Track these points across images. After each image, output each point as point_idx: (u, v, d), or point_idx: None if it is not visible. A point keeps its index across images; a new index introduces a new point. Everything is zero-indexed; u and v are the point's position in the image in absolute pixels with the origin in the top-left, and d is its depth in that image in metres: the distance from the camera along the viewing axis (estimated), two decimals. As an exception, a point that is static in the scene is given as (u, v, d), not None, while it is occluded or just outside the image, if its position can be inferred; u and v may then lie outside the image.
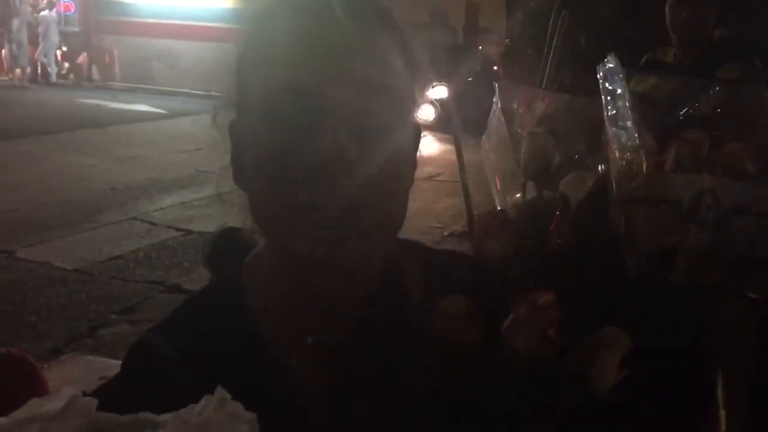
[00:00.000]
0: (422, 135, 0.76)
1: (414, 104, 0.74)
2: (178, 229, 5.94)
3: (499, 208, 0.82)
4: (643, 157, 0.77)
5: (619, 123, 0.76)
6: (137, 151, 8.92)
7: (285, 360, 0.71)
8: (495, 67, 8.86)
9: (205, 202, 6.84)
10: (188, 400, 0.64)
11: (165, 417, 0.49)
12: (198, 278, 4.63)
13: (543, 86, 2.87)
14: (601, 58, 0.84)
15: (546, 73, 4.93)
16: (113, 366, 3.60)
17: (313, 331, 0.73)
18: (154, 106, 12.71)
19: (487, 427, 0.63)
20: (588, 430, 0.64)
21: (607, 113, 0.77)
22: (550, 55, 4.91)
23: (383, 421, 0.68)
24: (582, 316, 0.66)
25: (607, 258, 0.76)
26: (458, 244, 5.20)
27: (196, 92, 13.88)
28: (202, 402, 0.51)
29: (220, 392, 0.51)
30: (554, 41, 5.06)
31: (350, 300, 0.73)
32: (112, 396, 0.74)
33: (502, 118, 0.72)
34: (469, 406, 0.64)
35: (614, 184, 0.75)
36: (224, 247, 0.83)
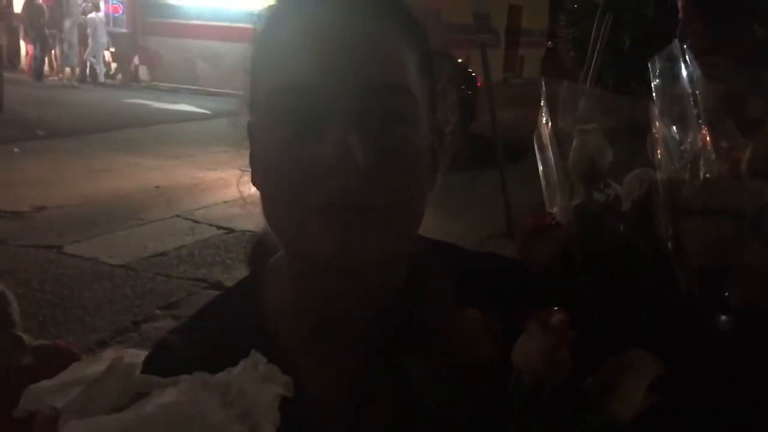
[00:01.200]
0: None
1: (435, 105, 0.72)
2: (220, 228, 6.01)
3: (548, 210, 0.79)
4: (701, 161, 0.74)
5: (672, 122, 0.73)
6: (181, 150, 9.06)
7: (296, 364, 0.68)
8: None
9: (247, 201, 6.91)
10: None
11: (205, 374, 0.49)
12: (240, 276, 4.63)
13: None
14: (644, 61, 0.80)
15: (589, 75, 4.86)
16: (157, 360, 3.61)
17: (326, 337, 0.71)
18: (198, 107, 12.89)
19: None
20: None
21: (660, 111, 0.73)
22: (594, 57, 4.84)
23: (395, 430, 0.65)
24: (612, 337, 0.63)
25: (655, 272, 0.72)
26: (498, 246, 5.16)
27: (239, 93, 14.05)
28: (239, 365, 0.50)
29: (254, 356, 0.50)
30: (598, 43, 4.99)
31: (366, 304, 0.71)
32: None
33: (549, 118, 0.70)
34: (478, 428, 0.61)
35: (662, 191, 0.71)
36: (266, 247, 0.83)
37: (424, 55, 0.70)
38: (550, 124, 0.76)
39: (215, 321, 0.77)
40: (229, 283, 4.75)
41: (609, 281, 0.72)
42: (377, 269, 0.67)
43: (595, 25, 4.89)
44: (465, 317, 0.62)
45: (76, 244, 5.48)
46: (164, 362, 0.71)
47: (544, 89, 0.79)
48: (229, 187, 7.37)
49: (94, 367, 0.48)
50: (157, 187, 7.27)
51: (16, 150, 8.18)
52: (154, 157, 8.55)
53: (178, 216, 6.37)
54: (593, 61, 4.72)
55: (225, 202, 6.83)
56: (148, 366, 0.74)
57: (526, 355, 0.58)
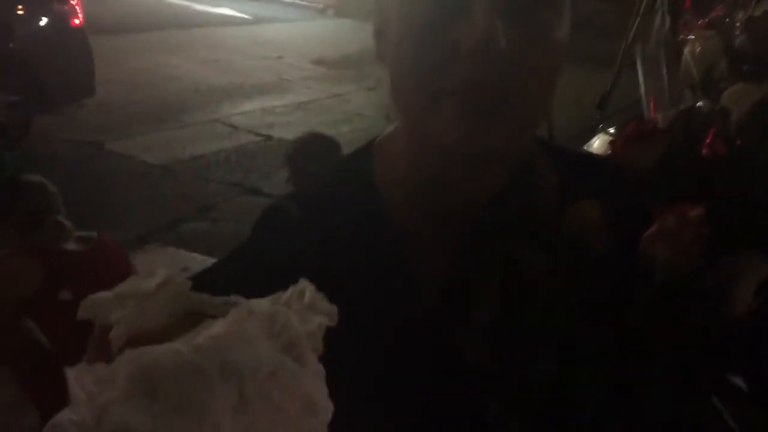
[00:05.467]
0: None
1: None
2: (258, 134, 6.01)
3: (647, 116, 0.76)
4: None
5: None
6: (221, 54, 8.98)
7: (407, 241, 0.70)
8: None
9: (286, 109, 6.89)
10: (310, 265, 0.64)
11: (254, 302, 0.49)
12: (277, 182, 4.70)
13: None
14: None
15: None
16: (194, 259, 3.73)
17: (438, 218, 0.71)
18: (239, 11, 12.70)
19: (608, 338, 0.61)
20: (719, 351, 0.61)
21: None
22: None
23: (497, 317, 0.66)
24: (726, 236, 0.63)
25: (764, 181, 0.70)
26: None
27: (281, -1, 13.79)
28: (287, 292, 0.50)
29: (302, 283, 0.50)
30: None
31: (481, 190, 0.70)
32: (236, 259, 0.75)
33: (667, 20, 0.65)
34: (593, 315, 0.61)
35: None
36: (308, 152, 0.82)
37: None
38: (666, 27, 0.71)
39: (329, 191, 0.76)
40: (266, 190, 4.80)
41: (715, 184, 0.69)
42: (498, 159, 0.67)
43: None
44: (584, 208, 0.63)
45: (116, 141, 5.52)
46: (279, 226, 0.73)
47: None
48: (268, 95, 7.35)
49: (148, 282, 0.48)
50: (197, 90, 7.25)
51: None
52: (194, 60, 8.50)
53: (216, 120, 6.37)
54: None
55: (263, 109, 6.81)
56: (262, 229, 0.75)
57: (661, 245, 0.60)
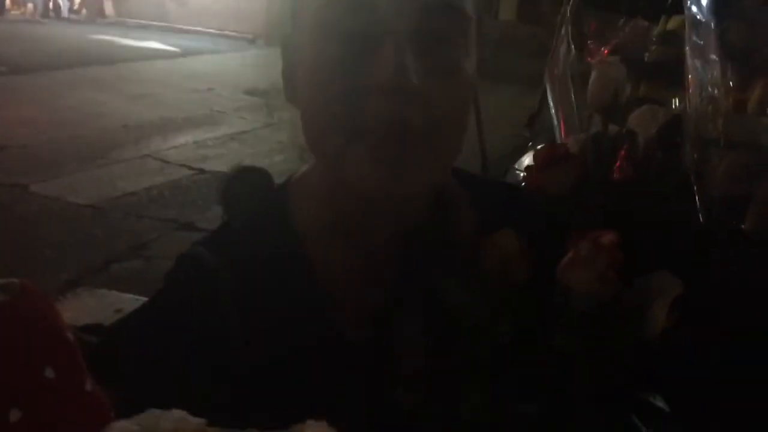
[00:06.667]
0: None
1: (478, 27, 0.69)
2: (191, 168, 5.91)
3: (559, 141, 0.78)
4: (726, 95, 0.72)
5: (703, 56, 0.71)
6: (150, 89, 8.83)
7: (328, 283, 0.70)
8: None
9: (218, 141, 6.80)
10: (230, 314, 0.62)
11: None
12: (212, 217, 4.62)
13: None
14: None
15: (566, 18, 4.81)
16: (128, 300, 3.60)
17: (357, 256, 0.70)
18: (167, 44, 12.55)
19: (533, 366, 0.61)
20: (638, 372, 0.62)
21: (690, 44, 0.72)
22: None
23: (423, 357, 0.65)
24: (638, 259, 0.64)
25: (673, 201, 0.72)
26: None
27: (209, 31, 13.70)
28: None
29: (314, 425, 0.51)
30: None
31: (398, 227, 0.70)
32: (151, 311, 0.73)
33: (572, 46, 0.68)
34: (516, 344, 0.62)
35: (690, 123, 0.70)
36: (240, 186, 0.81)
37: None
38: (572, 54, 0.74)
39: (244, 233, 0.74)
40: (201, 224, 4.72)
41: (627, 208, 0.71)
42: (414, 197, 0.66)
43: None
44: (500, 239, 0.63)
45: (42, 183, 5.34)
46: (194, 274, 0.71)
47: (568, 18, 0.77)
48: (199, 128, 7.25)
49: (166, 421, 0.48)
50: (125, 126, 7.09)
51: (-24, 86, 7.91)
52: (121, 96, 8.33)
53: (147, 156, 6.24)
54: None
55: (195, 142, 6.70)
56: (177, 278, 0.73)
57: (576, 274, 0.60)
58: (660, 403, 0.65)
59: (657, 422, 0.64)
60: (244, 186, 0.78)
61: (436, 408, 0.62)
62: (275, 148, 6.55)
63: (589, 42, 0.73)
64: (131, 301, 3.62)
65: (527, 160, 2.68)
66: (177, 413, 0.48)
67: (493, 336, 0.61)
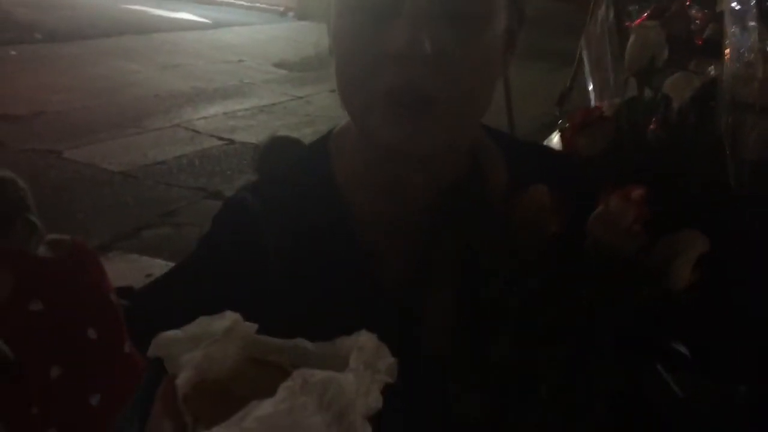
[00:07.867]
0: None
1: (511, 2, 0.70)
2: (220, 138, 5.96)
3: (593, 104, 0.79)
4: (762, 61, 0.73)
5: (741, 21, 0.72)
6: (181, 59, 8.89)
7: (366, 231, 0.73)
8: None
9: (248, 113, 6.85)
10: (272, 258, 0.65)
11: (315, 346, 0.51)
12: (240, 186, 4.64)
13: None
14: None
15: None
16: (158, 265, 3.67)
17: (394, 210, 0.73)
18: (198, 15, 12.58)
19: (561, 319, 0.63)
20: (660, 325, 0.64)
21: (729, 9, 0.73)
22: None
23: (455, 305, 0.68)
24: (667, 215, 0.66)
25: (705, 165, 0.74)
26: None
27: (240, 3, 13.70)
28: (348, 342, 0.51)
29: (363, 336, 0.51)
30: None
31: (432, 184, 0.72)
32: (200, 250, 0.76)
33: (612, 10, 0.69)
34: (544, 296, 0.64)
35: (726, 87, 0.71)
36: (275, 154, 0.83)
37: None
38: (611, 17, 0.75)
39: (288, 183, 0.77)
40: (229, 193, 4.79)
41: (659, 170, 0.73)
42: (442, 155, 0.69)
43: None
44: (534, 193, 0.65)
45: (75, 149, 5.43)
46: (239, 220, 0.74)
47: None
48: (230, 99, 7.30)
49: (216, 324, 0.50)
50: (157, 95, 7.16)
51: (12, 53, 8.01)
52: (153, 66, 8.39)
53: (178, 125, 6.31)
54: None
55: (225, 113, 6.76)
56: (221, 223, 0.76)
57: (604, 226, 0.62)
58: (683, 349, 0.68)
59: (680, 370, 0.66)
60: (279, 155, 0.81)
61: (464, 352, 0.64)
62: (304, 120, 6.59)
63: (628, 5, 0.73)
64: (161, 267, 3.70)
65: (556, 138, 2.67)
66: (230, 314, 0.50)
67: (522, 285, 0.64)
